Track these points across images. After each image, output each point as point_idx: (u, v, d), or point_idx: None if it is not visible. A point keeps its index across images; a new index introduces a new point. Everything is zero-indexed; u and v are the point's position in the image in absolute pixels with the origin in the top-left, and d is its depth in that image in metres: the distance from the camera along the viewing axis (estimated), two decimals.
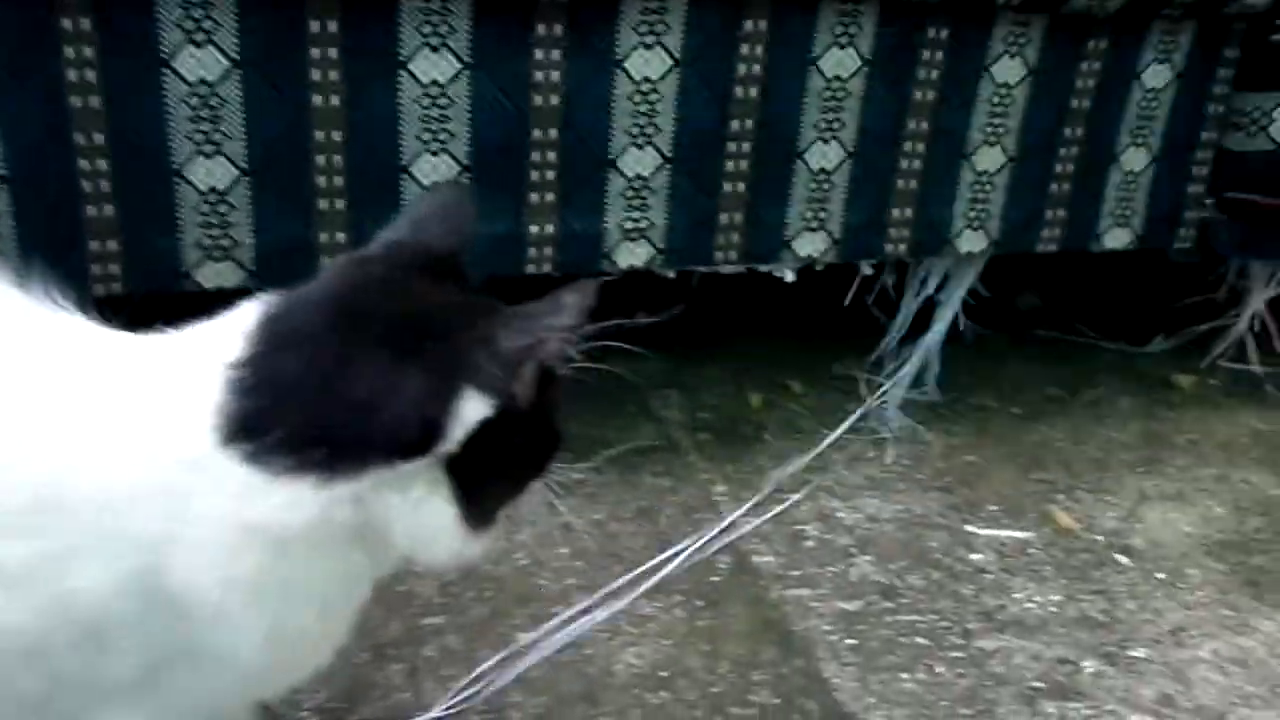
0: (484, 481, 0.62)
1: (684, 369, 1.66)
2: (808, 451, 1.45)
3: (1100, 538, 1.31)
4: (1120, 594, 1.21)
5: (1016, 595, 1.20)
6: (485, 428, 0.59)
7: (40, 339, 0.60)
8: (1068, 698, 1.06)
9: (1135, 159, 1.38)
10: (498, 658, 1.06)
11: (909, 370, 1.53)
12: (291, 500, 0.56)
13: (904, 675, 1.08)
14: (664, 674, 1.07)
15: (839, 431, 1.47)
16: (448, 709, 1.00)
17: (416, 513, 0.60)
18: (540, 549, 1.25)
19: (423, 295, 0.61)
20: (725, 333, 1.79)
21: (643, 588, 1.18)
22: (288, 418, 0.56)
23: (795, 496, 1.35)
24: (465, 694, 1.01)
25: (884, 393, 1.53)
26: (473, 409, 0.58)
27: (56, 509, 0.55)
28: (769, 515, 1.31)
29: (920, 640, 1.13)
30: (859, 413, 1.51)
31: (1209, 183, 1.42)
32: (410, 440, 0.58)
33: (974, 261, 1.44)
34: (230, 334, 0.59)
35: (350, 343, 0.58)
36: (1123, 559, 1.27)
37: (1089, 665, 1.10)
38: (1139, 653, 1.12)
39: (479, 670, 1.03)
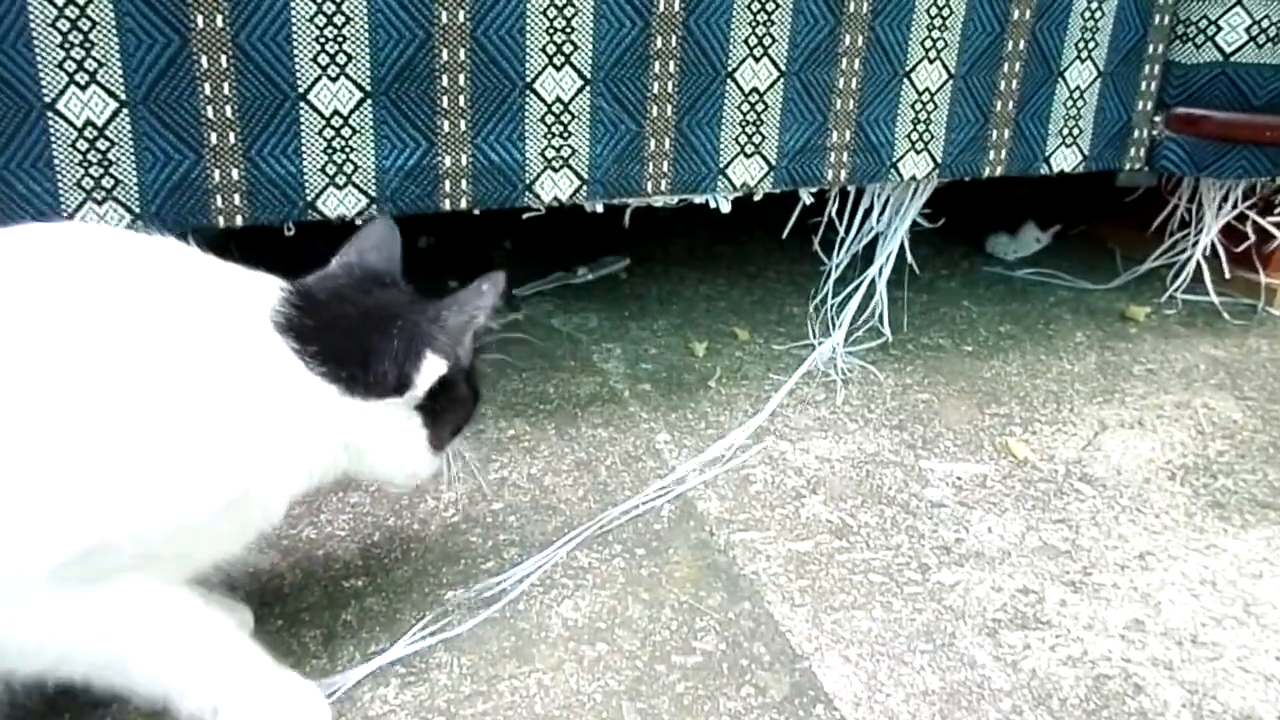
0: (442, 417, 0.89)
1: (627, 321, 1.59)
2: (755, 397, 1.38)
3: (1060, 468, 1.25)
4: (1083, 522, 1.16)
5: (975, 528, 1.14)
6: (441, 381, 0.85)
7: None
8: (1031, 627, 1.00)
9: (1080, 74, 1.32)
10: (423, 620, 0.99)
11: (854, 308, 1.46)
12: (322, 395, 0.80)
13: (859, 613, 1.02)
14: (602, 625, 1.00)
15: (790, 383, 1.40)
16: (366, 674, 0.92)
17: (399, 433, 0.87)
18: (471, 505, 1.17)
19: (382, 295, 0.86)
20: (669, 283, 1.72)
21: (580, 538, 1.11)
22: (324, 341, 0.80)
23: (742, 441, 1.28)
24: (386, 657, 0.94)
25: (831, 336, 1.46)
26: (432, 366, 0.84)
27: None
28: (713, 461, 1.24)
29: (875, 577, 1.07)
30: (808, 363, 1.44)
31: (1157, 98, 1.37)
32: (391, 386, 0.83)
33: (919, 189, 1.38)
34: (263, 281, 0.81)
35: (348, 318, 0.83)
36: (1084, 488, 1.22)
37: (1053, 594, 1.05)
38: (1105, 579, 1.07)
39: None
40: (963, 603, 1.04)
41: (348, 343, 0.81)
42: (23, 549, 0.65)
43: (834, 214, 1.43)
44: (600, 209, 1.25)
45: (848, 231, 1.44)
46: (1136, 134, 1.38)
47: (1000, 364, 1.49)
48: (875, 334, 1.51)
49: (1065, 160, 1.36)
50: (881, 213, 1.41)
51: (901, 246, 1.46)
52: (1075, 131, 1.35)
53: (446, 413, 0.89)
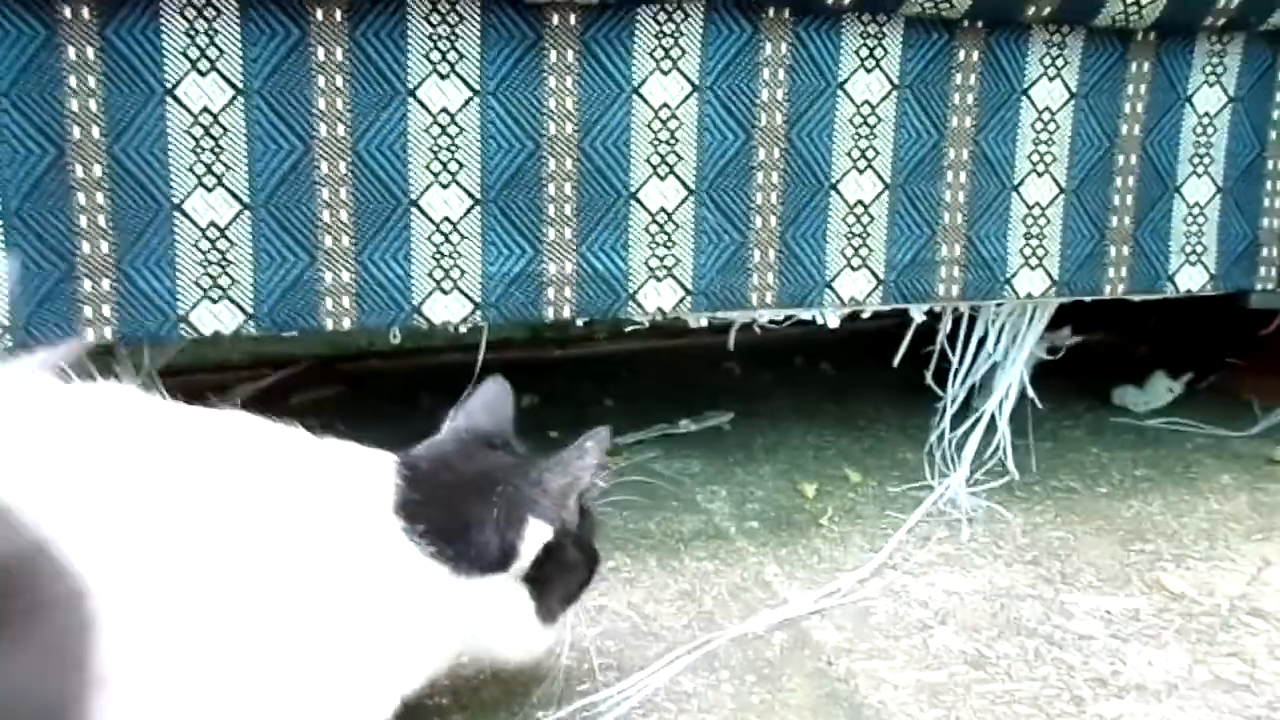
0: (550, 587, 0.85)
1: (732, 467, 1.53)
2: (870, 535, 1.29)
3: (1223, 602, 1.11)
4: (1259, 656, 1.01)
5: (1133, 660, 1.01)
6: (547, 548, 0.82)
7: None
8: None
9: (1198, 190, 1.28)
10: None
11: (975, 444, 1.37)
12: (436, 578, 0.77)
13: None
14: None
15: (912, 519, 1.31)
16: None
17: (507, 610, 0.83)
18: (566, 630, 1.09)
19: (485, 460, 0.84)
20: (774, 434, 1.66)
21: (684, 662, 1.01)
22: (431, 518, 0.77)
23: (859, 574, 1.18)
24: None
25: (954, 472, 1.37)
26: (537, 533, 0.81)
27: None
28: (829, 592, 1.14)
29: (1022, 709, 0.94)
30: (931, 499, 1.35)
31: None
32: (495, 559, 0.80)
33: (1036, 314, 1.33)
34: (381, 460, 0.81)
35: (453, 487, 0.81)
36: (1255, 621, 1.07)
37: None
38: None
39: None
40: None
41: (451, 515, 0.79)
42: None
43: (945, 343, 1.38)
44: (705, 323, 1.23)
45: (962, 361, 1.38)
46: (1265, 252, 1.32)
47: (1140, 504, 1.37)
48: (997, 474, 1.41)
49: (1191, 280, 1.30)
50: (997, 341, 1.35)
51: (1021, 382, 1.39)
52: (1199, 249, 1.29)
53: (554, 582, 0.85)
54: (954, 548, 1.26)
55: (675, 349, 2.07)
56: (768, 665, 1.01)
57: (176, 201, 1.02)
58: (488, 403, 0.89)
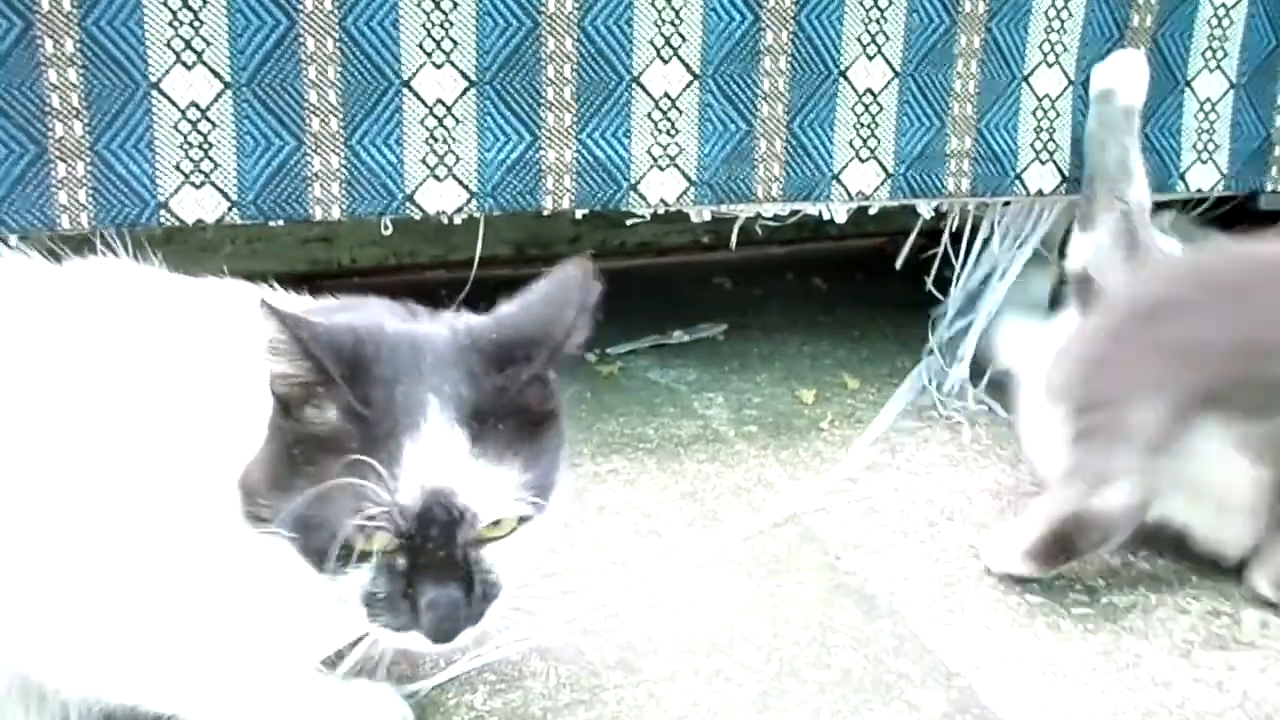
0: None
1: (727, 375, 1.50)
2: (872, 437, 1.27)
3: None
4: None
5: (1145, 552, 1.00)
6: None
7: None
8: (1230, 648, 0.85)
9: (1210, 85, 1.24)
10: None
11: (972, 344, 1.34)
12: None
13: (1020, 633, 0.88)
14: (719, 640, 0.87)
15: (904, 387, 1.31)
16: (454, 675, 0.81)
17: None
18: (565, 530, 1.07)
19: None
20: (769, 344, 1.63)
21: (690, 557, 0.99)
22: None
23: (863, 474, 1.17)
24: (472, 663, 0.82)
25: (943, 368, 1.36)
26: None
27: None
28: (834, 490, 1.12)
29: (1034, 599, 0.93)
30: (916, 372, 1.34)
31: None
32: None
33: (1041, 216, 1.29)
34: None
35: None
36: None
37: (1250, 616, 0.90)
38: None
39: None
40: (1143, 624, 0.89)
41: None
42: None
43: (949, 244, 1.35)
44: (707, 216, 1.19)
45: (964, 266, 1.35)
46: (1278, 151, 1.29)
47: None
48: (993, 381, 1.39)
49: (1202, 178, 1.27)
50: (1002, 242, 1.32)
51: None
52: (1210, 147, 1.26)
53: None
54: (956, 449, 1.24)
55: (664, 266, 2.03)
56: (775, 561, 1.00)
57: (154, 80, 0.96)
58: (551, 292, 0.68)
